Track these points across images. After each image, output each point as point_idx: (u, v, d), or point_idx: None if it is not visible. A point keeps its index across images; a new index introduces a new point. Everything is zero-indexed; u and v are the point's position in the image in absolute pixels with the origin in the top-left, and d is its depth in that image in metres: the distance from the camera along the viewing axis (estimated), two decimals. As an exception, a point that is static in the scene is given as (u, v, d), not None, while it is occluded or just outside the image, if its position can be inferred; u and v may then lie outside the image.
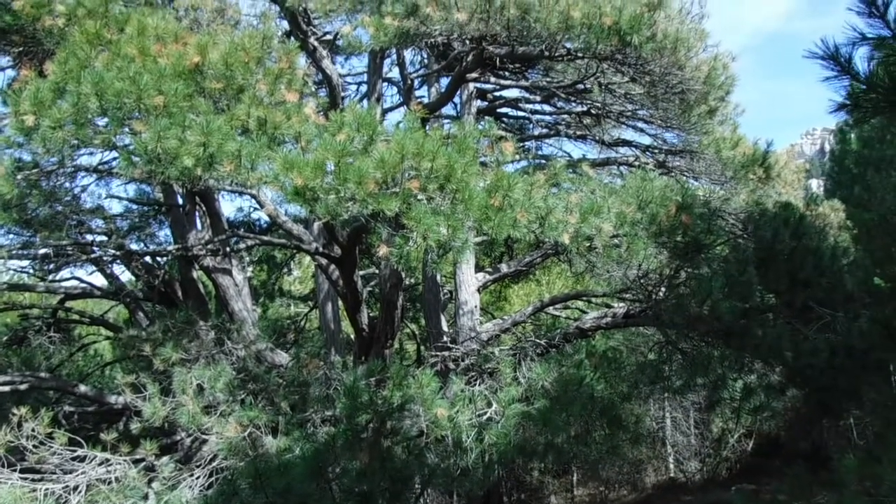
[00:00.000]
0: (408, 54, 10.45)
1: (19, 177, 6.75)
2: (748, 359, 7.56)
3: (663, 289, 7.57)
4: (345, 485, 4.68)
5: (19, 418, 5.47)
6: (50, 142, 5.42)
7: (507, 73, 9.76)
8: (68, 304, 11.12)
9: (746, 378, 8.30)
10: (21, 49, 7.94)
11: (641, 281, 7.70)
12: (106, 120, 5.43)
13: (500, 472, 15.37)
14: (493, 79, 9.56)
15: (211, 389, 5.85)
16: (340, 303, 10.82)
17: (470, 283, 10.23)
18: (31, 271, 10.80)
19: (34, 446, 5.46)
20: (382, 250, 4.57)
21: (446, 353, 7.38)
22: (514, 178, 4.80)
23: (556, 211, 5.04)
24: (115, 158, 7.72)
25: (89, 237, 9.79)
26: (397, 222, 4.73)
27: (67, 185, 9.44)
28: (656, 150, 9.29)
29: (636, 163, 9.71)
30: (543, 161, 10.02)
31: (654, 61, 6.26)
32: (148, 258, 9.99)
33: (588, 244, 5.65)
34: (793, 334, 6.72)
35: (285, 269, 15.96)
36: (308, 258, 15.48)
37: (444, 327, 10.96)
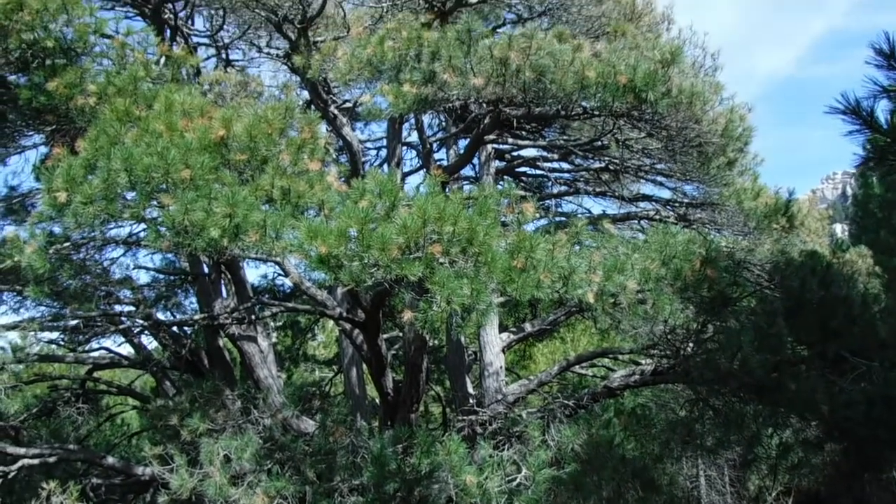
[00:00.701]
0: (426, 118, 10.65)
1: (51, 251, 6.90)
2: (783, 413, 7.37)
3: (691, 344, 7.46)
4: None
5: (48, 493, 5.46)
6: (81, 217, 5.55)
7: (523, 133, 9.91)
8: (96, 374, 11.19)
9: (782, 434, 8.06)
10: (53, 127, 8.23)
11: (668, 337, 7.61)
12: (134, 194, 5.57)
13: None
14: (510, 139, 9.69)
15: (238, 460, 5.80)
16: (365, 367, 10.78)
17: (494, 343, 10.16)
18: (61, 342, 10.93)
19: None
20: (407, 316, 4.58)
21: (473, 417, 7.28)
22: (536, 238, 4.83)
23: (580, 270, 5.03)
24: (143, 230, 7.88)
25: (118, 307, 9.92)
26: (421, 286, 4.75)
27: (97, 257, 9.66)
28: (677, 204, 9.28)
29: (657, 217, 9.71)
30: (563, 219, 10.06)
31: (671, 116, 6.31)
32: (175, 327, 10.07)
33: (613, 302, 5.62)
34: (828, 386, 6.54)
35: (309, 335, 15.98)
36: (332, 322, 15.51)
37: (470, 389, 10.85)
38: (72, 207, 5.49)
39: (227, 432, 6.16)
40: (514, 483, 5.27)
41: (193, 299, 11.04)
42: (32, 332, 9.43)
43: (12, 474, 6.76)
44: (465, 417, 7.35)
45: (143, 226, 7.85)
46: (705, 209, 8.88)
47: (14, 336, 9.93)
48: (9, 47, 7.21)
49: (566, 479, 5.26)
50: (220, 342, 9.98)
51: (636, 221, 10.21)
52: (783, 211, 8.34)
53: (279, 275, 12.66)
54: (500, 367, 10.33)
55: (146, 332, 9.71)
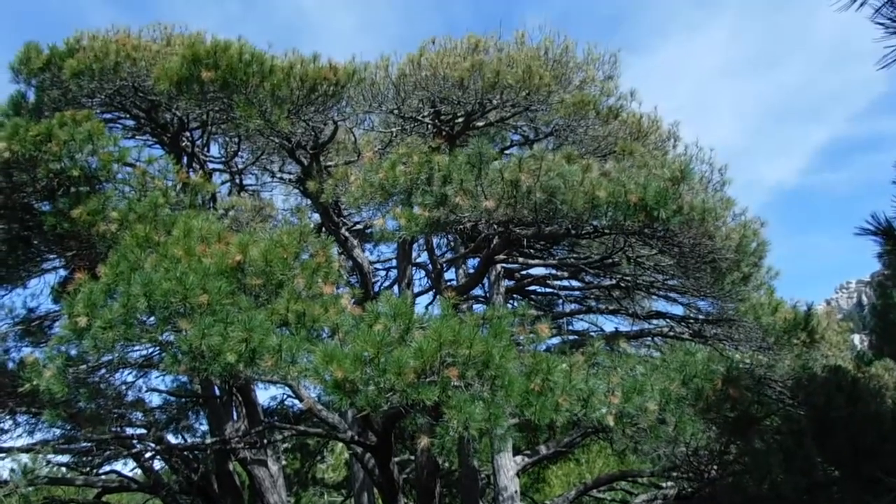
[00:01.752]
0: (436, 238, 10.82)
1: (69, 374, 6.89)
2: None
3: (715, 466, 7.20)
4: None
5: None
6: (100, 341, 5.58)
7: (533, 252, 10.00)
8: (105, 497, 10.91)
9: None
10: (74, 252, 8.42)
11: (691, 458, 7.36)
12: (153, 318, 5.61)
13: None
14: (520, 258, 9.78)
15: None
16: (376, 491, 10.44)
17: (508, 467, 9.85)
18: (71, 465, 10.72)
19: None
20: (423, 441, 4.48)
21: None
22: (553, 360, 4.77)
23: (598, 392, 4.95)
24: (157, 352, 7.88)
25: (129, 430, 9.78)
26: (436, 410, 4.66)
27: (111, 379, 9.60)
28: (691, 320, 9.21)
29: (671, 333, 9.61)
30: (576, 337, 9.99)
31: (683, 233, 6.37)
32: (186, 451, 9.87)
33: (633, 423, 5.47)
34: (862, 510, 6.25)
35: (318, 457, 15.59)
36: (341, 445, 15.17)
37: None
38: (91, 332, 5.54)
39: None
40: None
41: (204, 422, 10.88)
42: (44, 455, 9.29)
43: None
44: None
45: (157, 348, 7.89)
46: (721, 325, 8.80)
47: (25, 458, 9.78)
48: (37, 176, 7.51)
49: None
50: (230, 466, 9.74)
51: (650, 339, 10.11)
52: (803, 325, 8.23)
53: (289, 397, 12.51)
54: (515, 492, 9.97)
55: (157, 456, 9.52)
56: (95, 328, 5.51)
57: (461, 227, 6.64)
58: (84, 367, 7.17)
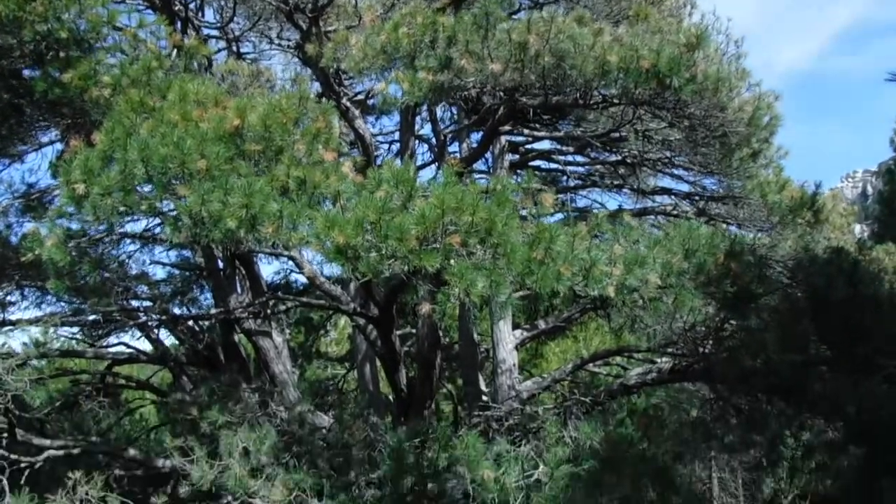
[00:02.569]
0: (439, 111, 10.56)
1: (70, 244, 6.89)
2: (807, 415, 7.21)
3: (711, 342, 7.32)
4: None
5: (74, 482, 5.47)
6: (99, 209, 5.52)
7: (538, 126, 9.77)
8: (115, 369, 11.26)
9: (803, 436, 7.89)
10: (69, 122, 8.23)
11: (687, 334, 7.47)
12: (151, 187, 5.53)
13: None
14: (525, 131, 9.56)
15: (256, 452, 5.75)
16: (378, 363, 10.72)
17: (507, 340, 10.05)
18: (80, 338, 10.99)
19: None
20: (424, 308, 4.49)
21: (488, 413, 7.18)
22: (556, 229, 4.73)
23: (600, 263, 4.92)
24: (158, 225, 7.84)
25: (135, 303, 9.92)
26: (438, 279, 4.66)
27: (114, 252, 9.65)
28: (696, 198, 9.12)
29: (675, 212, 9.56)
30: (578, 213, 9.93)
31: (695, 104, 6.15)
32: (191, 322, 10.05)
33: (633, 297, 5.50)
34: (854, 388, 6.39)
35: (322, 331, 15.95)
36: (344, 320, 15.47)
37: (483, 386, 10.76)
38: (90, 199, 5.47)
39: (244, 425, 6.12)
40: (532, 479, 5.18)
41: (209, 295, 11.02)
42: (53, 327, 9.49)
43: (38, 465, 6.78)
44: (480, 413, 7.26)
45: (157, 221, 7.88)
46: (726, 203, 8.72)
47: (36, 332, 10.02)
48: (23, 39, 7.19)
49: (584, 477, 5.15)
50: (236, 338, 9.95)
51: (653, 217, 10.07)
52: (809, 205, 8.15)
53: (293, 271, 12.62)
54: (514, 365, 10.23)
55: (163, 326, 9.70)
56: (93, 195, 5.44)
57: (465, 94, 6.42)
58: (85, 237, 7.19)
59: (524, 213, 5.73)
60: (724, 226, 9.09)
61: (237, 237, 4.96)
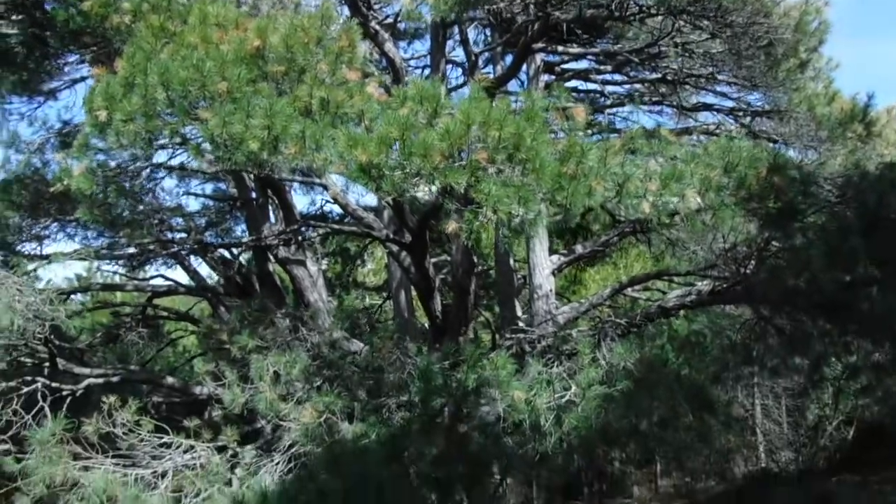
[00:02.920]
0: (471, 32, 10.20)
1: (98, 174, 6.91)
2: (853, 334, 6.98)
3: (753, 262, 7.09)
4: (421, 470, 4.52)
5: (109, 407, 5.64)
6: (123, 135, 5.49)
7: (574, 44, 9.37)
8: (156, 301, 11.51)
9: (848, 359, 7.68)
10: (93, 53, 8.16)
11: (728, 255, 7.24)
12: (173, 111, 5.47)
13: (581, 462, 15.05)
14: (560, 48, 9.17)
15: (287, 376, 5.81)
16: (413, 291, 10.71)
17: (544, 266, 9.92)
18: (121, 272, 11.22)
19: (123, 434, 5.61)
20: (451, 227, 4.38)
21: (522, 336, 7.12)
22: (587, 144, 4.54)
23: (634, 178, 4.72)
24: (183, 152, 7.82)
25: (170, 235, 10.03)
26: (466, 198, 4.53)
27: (146, 183, 9.71)
28: (740, 113, 8.70)
29: (717, 131, 9.17)
30: (617, 135, 9.60)
31: (737, 10, 5.77)
32: (225, 252, 10.14)
33: (671, 217, 5.30)
34: (903, 306, 6.13)
35: (359, 261, 16.00)
36: (380, 250, 15.47)
37: (519, 313, 10.71)
38: (113, 126, 5.44)
39: (275, 349, 6.18)
40: (564, 400, 5.13)
41: (243, 226, 11.09)
42: (91, 260, 9.67)
43: (79, 393, 7.00)
44: (513, 336, 7.21)
45: (181, 147, 7.86)
46: (771, 118, 8.30)
47: (80, 267, 10.25)
48: (43, -32, 7.10)
49: (618, 398, 5.08)
50: (271, 267, 10.02)
51: (695, 136, 9.68)
52: (860, 117, 7.70)
53: (328, 201, 12.60)
54: (550, 291, 10.12)
55: (197, 255, 9.79)
56: (116, 122, 5.40)
57: (496, 9, 6.12)
58: (113, 164, 7.19)
59: (556, 130, 5.51)
60: (770, 144, 8.70)
61: (260, 159, 4.88)
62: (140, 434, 5.67)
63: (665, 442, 5.95)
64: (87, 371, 7.37)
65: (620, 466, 14.43)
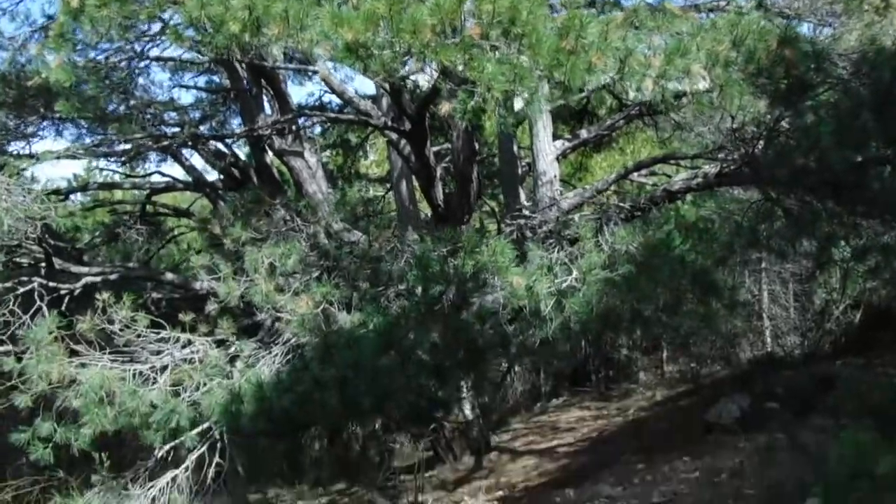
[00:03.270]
0: None
1: (80, 65, 6.63)
2: (861, 217, 6.83)
3: (762, 143, 6.86)
4: (418, 357, 4.53)
5: (103, 303, 5.62)
6: (97, 22, 5.23)
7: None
8: (156, 199, 11.43)
9: (857, 241, 7.56)
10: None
11: (736, 135, 7.00)
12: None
13: (587, 349, 15.37)
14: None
15: (282, 267, 5.77)
16: (415, 181, 10.55)
17: (547, 151, 9.69)
18: (117, 170, 11.07)
19: (120, 330, 5.62)
20: (445, 108, 4.18)
21: (523, 222, 7.01)
22: (588, 17, 4.25)
23: (637, 53, 4.46)
24: (163, 39, 7.48)
25: (164, 130, 9.81)
26: (461, 78, 4.31)
27: (135, 77, 9.39)
28: (752, -19, 8.18)
29: (728, 7, 8.69)
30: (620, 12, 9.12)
31: None
32: (221, 146, 9.94)
33: (676, 96, 5.05)
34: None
35: (360, 153, 15.75)
36: (383, 142, 15.19)
37: (524, 201, 10.56)
38: (86, 12, 5.16)
39: (270, 241, 6.11)
40: (565, 285, 5.06)
41: (239, 119, 10.83)
42: (82, 158, 9.49)
43: (77, 292, 7.01)
44: (513, 222, 7.09)
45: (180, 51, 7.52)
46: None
47: (79, 168, 10.09)
48: None
49: (620, 282, 4.99)
50: (268, 160, 9.84)
51: (704, 15, 9.18)
52: (880, -14, 7.22)
53: (325, 92, 12.24)
54: (554, 177, 9.93)
55: (192, 149, 9.60)
56: (90, 6, 5.12)
57: None
58: (93, 55, 6.89)
59: (555, 5, 5.19)
60: (782, 20, 8.25)
61: (242, 42, 4.63)
62: (137, 330, 5.67)
63: (669, 327, 5.94)
64: (84, 270, 7.36)
65: (626, 353, 14.73)
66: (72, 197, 10.43)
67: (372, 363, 4.28)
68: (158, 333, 5.77)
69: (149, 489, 5.42)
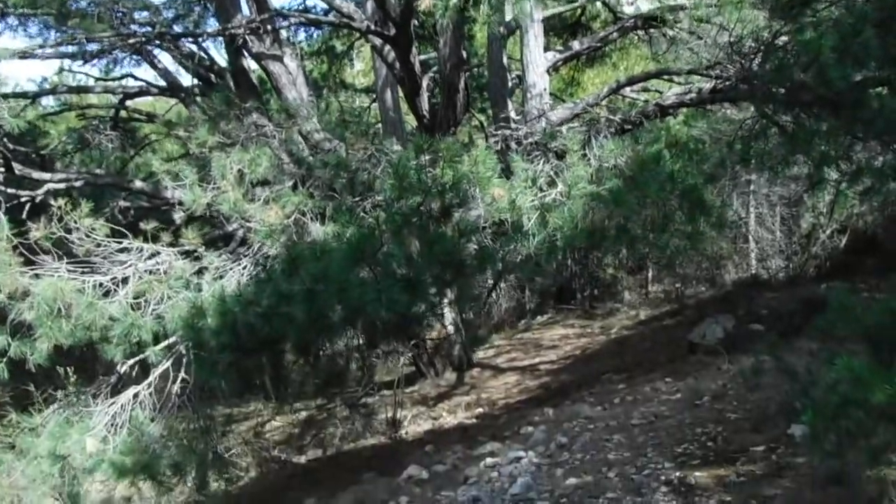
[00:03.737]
0: None
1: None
2: (858, 137, 6.59)
3: (759, 59, 6.55)
4: (389, 270, 4.32)
5: (59, 210, 5.26)
6: None
7: None
8: (131, 104, 10.97)
9: (850, 163, 7.34)
10: None
11: (734, 48, 6.67)
12: None
13: (573, 268, 15.33)
14: None
15: (252, 174, 5.47)
16: (401, 91, 10.15)
17: (538, 62, 9.31)
18: (90, 73, 10.53)
19: (79, 240, 5.30)
20: (425, 3, 3.85)
21: (508, 133, 6.70)
22: None
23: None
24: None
25: (134, 28, 9.26)
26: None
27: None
28: None
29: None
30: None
31: None
32: (195, 48, 9.42)
33: (672, 9, 4.72)
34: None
35: (346, 61, 15.16)
36: (370, 50, 14.61)
37: (512, 114, 10.22)
38: None
39: (238, 147, 5.77)
40: (548, 199, 4.84)
41: (213, 20, 10.26)
42: (42, 59, 8.93)
43: (39, 199, 6.67)
44: (497, 133, 6.79)
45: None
46: None
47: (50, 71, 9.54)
48: None
49: (606, 196, 4.77)
50: (246, 64, 9.36)
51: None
52: None
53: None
54: (544, 90, 9.60)
55: (162, 48, 9.09)
56: None
57: None
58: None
59: None
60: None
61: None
62: (96, 239, 5.33)
63: (655, 245, 5.77)
64: (47, 176, 7.00)
65: (612, 272, 14.71)
66: (42, 101, 9.98)
67: (342, 276, 4.07)
68: (121, 243, 5.46)
69: (110, 405, 5.25)
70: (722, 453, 4.46)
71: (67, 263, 5.26)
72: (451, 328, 10.22)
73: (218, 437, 5.91)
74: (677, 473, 4.30)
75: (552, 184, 5.02)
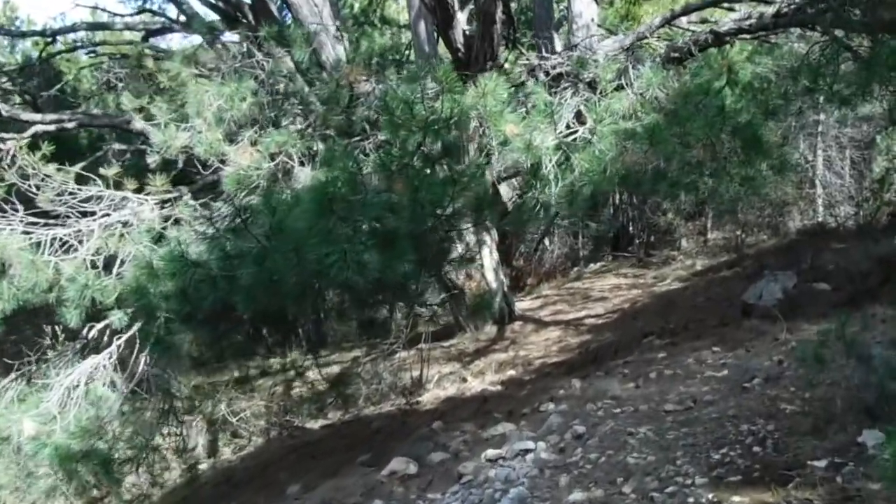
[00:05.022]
0: None
1: None
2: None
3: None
4: (365, 220, 3.65)
5: (11, 153, 4.70)
6: None
7: None
8: (152, 40, 10.51)
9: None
10: None
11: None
12: None
13: (631, 212, 14.46)
14: None
15: (231, 110, 4.84)
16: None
17: (586, -10, 8.40)
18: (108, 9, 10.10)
19: (36, 186, 4.76)
20: None
21: (536, 63, 5.90)
22: None
23: None
24: None
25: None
26: None
27: None
28: None
29: None
30: None
31: None
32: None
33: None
34: None
35: (387, -7, 14.36)
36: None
37: (558, 47, 9.34)
38: None
39: (216, 81, 5.13)
40: (572, 138, 4.10)
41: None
42: None
43: (24, 142, 6.20)
44: (522, 63, 6.00)
45: None
46: None
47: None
48: None
49: (641, 133, 4.00)
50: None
51: None
52: None
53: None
54: (592, 20, 8.70)
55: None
56: None
57: None
58: None
59: None
60: None
61: None
62: (56, 187, 4.76)
63: (698, 190, 4.98)
64: (37, 117, 6.52)
65: (671, 218, 13.80)
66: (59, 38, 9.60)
67: (302, 231, 3.42)
68: (81, 189, 4.89)
69: (68, 376, 4.68)
70: (770, 466, 3.47)
71: (29, 215, 4.72)
72: (491, 277, 9.58)
73: (180, 418, 5.34)
74: (710, 496, 3.35)
75: (582, 121, 4.26)
